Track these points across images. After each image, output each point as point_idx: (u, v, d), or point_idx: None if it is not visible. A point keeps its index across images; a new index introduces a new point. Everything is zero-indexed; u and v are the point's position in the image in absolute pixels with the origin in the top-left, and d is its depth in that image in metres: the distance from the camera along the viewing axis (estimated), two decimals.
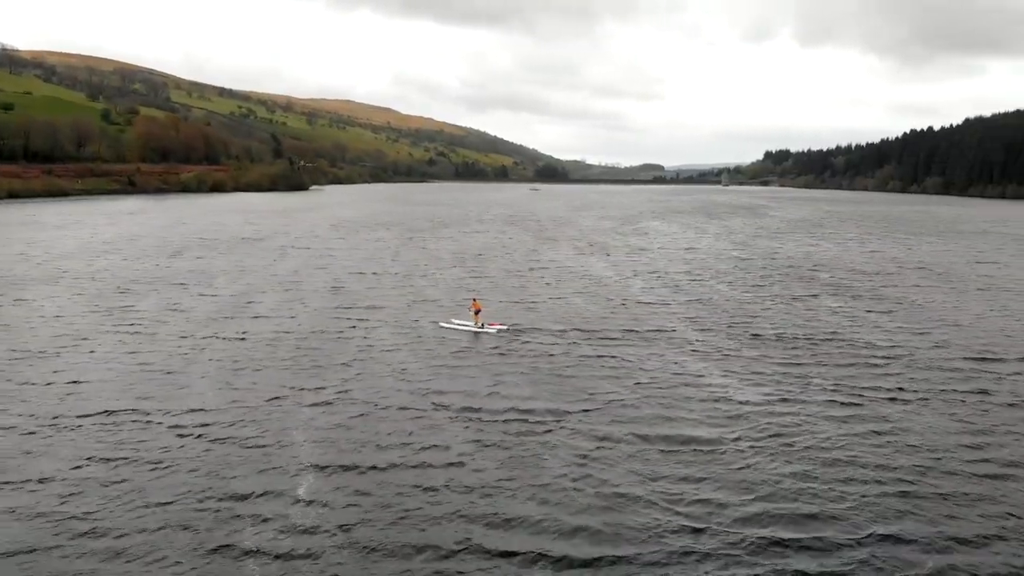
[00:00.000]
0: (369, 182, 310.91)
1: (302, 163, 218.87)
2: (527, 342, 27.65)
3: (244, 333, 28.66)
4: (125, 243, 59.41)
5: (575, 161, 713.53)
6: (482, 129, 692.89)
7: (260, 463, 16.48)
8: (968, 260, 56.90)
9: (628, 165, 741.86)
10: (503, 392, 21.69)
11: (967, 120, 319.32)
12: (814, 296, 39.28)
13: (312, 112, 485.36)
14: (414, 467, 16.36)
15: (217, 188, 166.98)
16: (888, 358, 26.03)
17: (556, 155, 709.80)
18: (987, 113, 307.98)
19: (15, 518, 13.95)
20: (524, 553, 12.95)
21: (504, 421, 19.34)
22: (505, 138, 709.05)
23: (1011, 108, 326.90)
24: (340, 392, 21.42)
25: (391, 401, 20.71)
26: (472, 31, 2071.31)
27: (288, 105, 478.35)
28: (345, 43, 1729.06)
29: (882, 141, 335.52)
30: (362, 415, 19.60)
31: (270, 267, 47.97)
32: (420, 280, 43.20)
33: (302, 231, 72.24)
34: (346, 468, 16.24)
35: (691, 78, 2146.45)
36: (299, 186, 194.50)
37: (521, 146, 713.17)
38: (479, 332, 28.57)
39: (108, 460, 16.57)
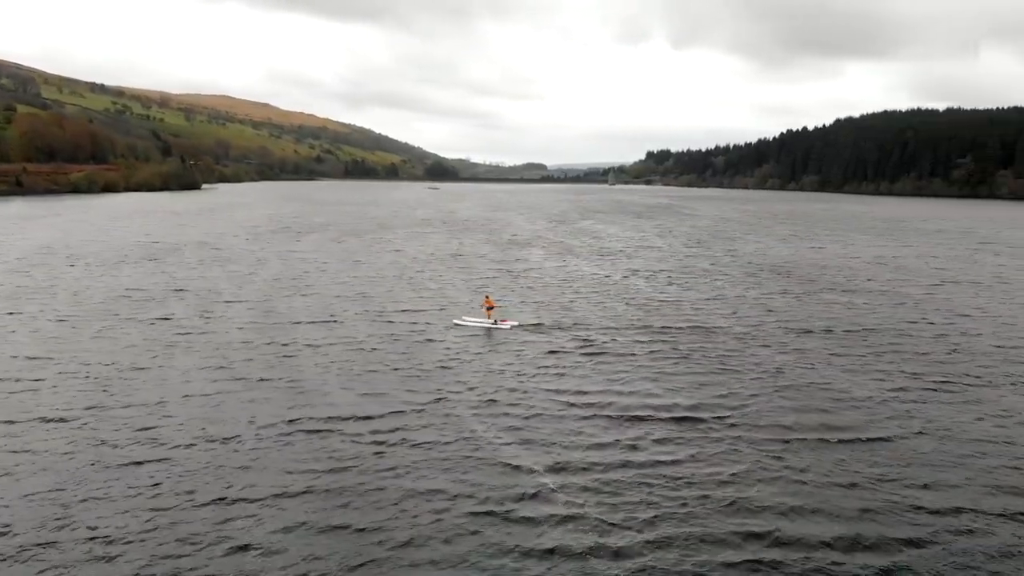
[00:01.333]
0: (256, 180, 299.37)
1: (193, 162, 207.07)
2: (543, 337, 28.14)
3: (289, 341, 27.17)
4: (60, 251, 52.31)
5: (460, 160, 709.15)
6: (364, 126, 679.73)
7: (282, 459, 16.27)
8: (965, 260, 55.81)
9: (512, 164, 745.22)
10: (522, 382, 22.21)
11: (837, 121, 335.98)
12: (824, 292, 39.24)
13: (189, 108, 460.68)
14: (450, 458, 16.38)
15: (109, 188, 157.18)
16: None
17: (440, 153, 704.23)
18: (855, 114, 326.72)
19: None
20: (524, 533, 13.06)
21: (525, 405, 19.95)
22: (389, 135, 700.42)
23: (878, 109, 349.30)
24: (372, 384, 21.76)
25: (423, 388, 21.36)
26: (348, 26, 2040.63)
27: (163, 101, 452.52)
28: (214, 36, 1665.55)
29: (759, 141, 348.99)
30: (400, 408, 19.67)
31: (254, 275, 43.57)
32: (413, 282, 41.99)
33: (242, 234, 65.64)
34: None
35: (567, 78, 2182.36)
36: (192, 185, 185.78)
37: (407, 144, 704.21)
38: (492, 328, 29.11)
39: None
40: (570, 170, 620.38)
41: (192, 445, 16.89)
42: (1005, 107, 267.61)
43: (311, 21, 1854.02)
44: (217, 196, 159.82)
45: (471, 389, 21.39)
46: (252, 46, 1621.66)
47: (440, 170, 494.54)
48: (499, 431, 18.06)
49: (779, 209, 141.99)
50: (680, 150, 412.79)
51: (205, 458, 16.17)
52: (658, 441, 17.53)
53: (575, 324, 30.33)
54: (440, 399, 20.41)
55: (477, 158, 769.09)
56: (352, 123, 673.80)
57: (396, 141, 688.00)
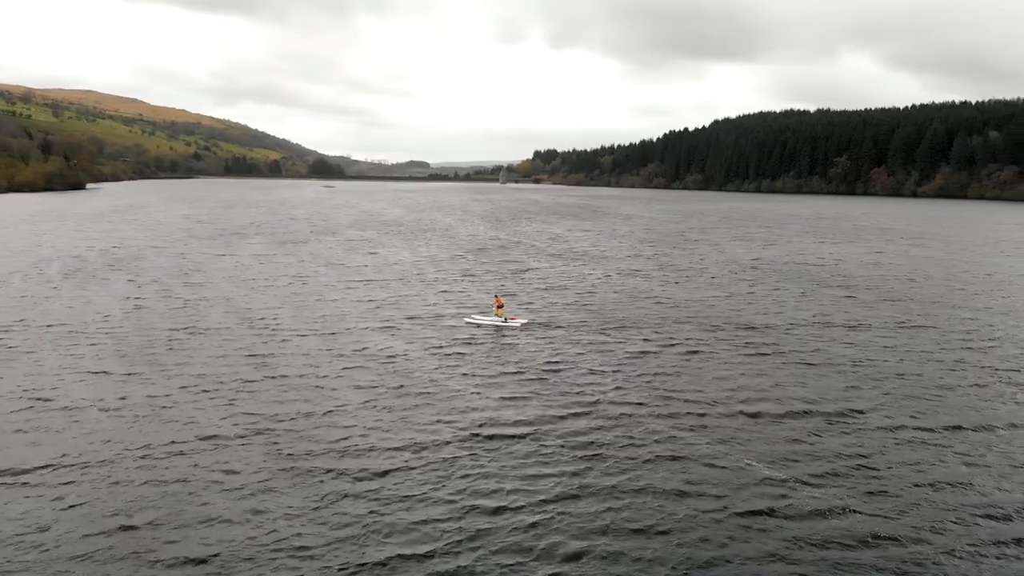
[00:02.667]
0: (134, 179, 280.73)
1: (75, 160, 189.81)
2: (551, 334, 28.35)
3: (301, 346, 26.16)
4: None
5: (341, 157, 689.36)
6: (238, 121, 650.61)
7: (301, 455, 16.18)
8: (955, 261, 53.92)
9: (395, 162, 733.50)
10: (531, 377, 22.40)
11: (716, 121, 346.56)
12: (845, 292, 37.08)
13: (55, 103, 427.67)
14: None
15: None
16: None
17: (320, 150, 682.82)
18: (730, 115, 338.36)
19: None
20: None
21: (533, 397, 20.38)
22: (267, 132, 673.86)
23: (745, 110, 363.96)
24: (394, 380, 21.81)
25: (439, 380, 21.81)
26: (219, 18, 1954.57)
27: (27, 96, 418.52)
28: (75, 27, 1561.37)
29: (643, 142, 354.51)
30: (420, 398, 20.09)
31: (239, 282, 39.32)
32: (413, 284, 40.77)
33: (177, 240, 56.87)
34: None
35: (447, 76, 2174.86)
36: (77, 185, 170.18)
37: (286, 141, 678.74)
38: (502, 326, 29.35)
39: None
40: (454, 168, 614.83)
41: (222, 437, 17.04)
42: (873, 108, 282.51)
43: (179, 12, 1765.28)
44: (106, 197, 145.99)
45: (480, 384, 21.57)
46: (116, 38, 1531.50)
47: (324, 168, 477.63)
48: (507, 426, 18.17)
49: (701, 208, 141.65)
50: (566, 150, 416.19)
51: (231, 450, 16.29)
52: (661, 434, 17.74)
53: (581, 322, 30.51)
54: (453, 395, 20.49)
55: (358, 155, 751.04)
56: (227, 119, 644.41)
57: (275, 138, 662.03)
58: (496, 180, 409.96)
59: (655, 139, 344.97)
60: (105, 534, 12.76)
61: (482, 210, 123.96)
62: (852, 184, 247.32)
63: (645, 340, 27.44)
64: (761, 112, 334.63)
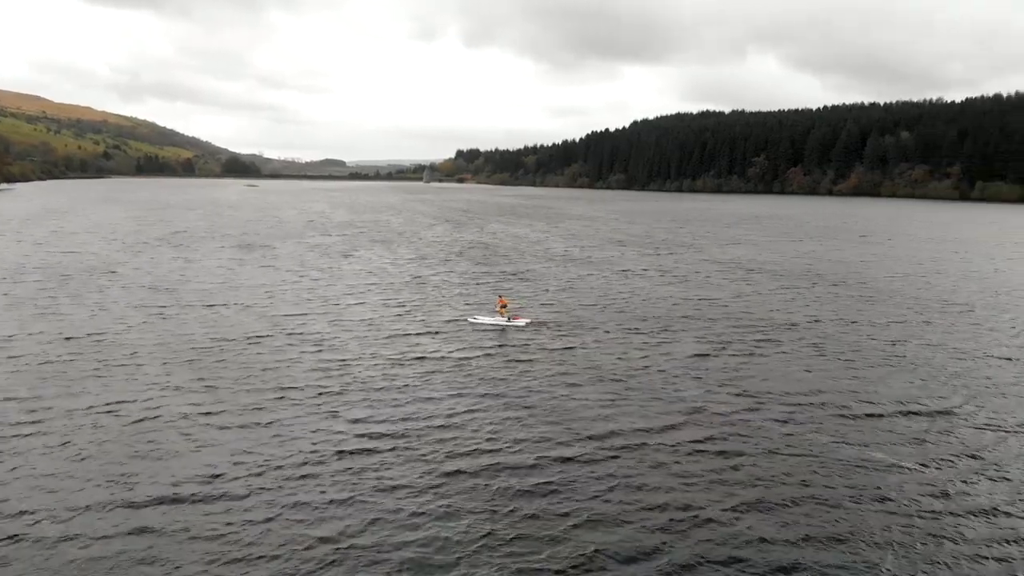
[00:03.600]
0: (43, 179, 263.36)
1: None
2: (555, 333, 28.24)
3: (312, 350, 25.15)
4: None
5: (253, 155, 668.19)
6: (144, 119, 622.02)
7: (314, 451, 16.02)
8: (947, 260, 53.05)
9: (309, 160, 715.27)
10: (536, 375, 22.22)
11: (635, 122, 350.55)
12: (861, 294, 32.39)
13: None
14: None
15: None
16: None
17: (231, 148, 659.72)
18: (648, 116, 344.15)
19: None
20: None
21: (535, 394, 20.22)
22: (177, 130, 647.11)
23: (658, 111, 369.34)
24: (404, 380, 21.49)
25: (447, 381, 21.45)
26: (122, 12, 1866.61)
27: None
28: None
29: (565, 142, 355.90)
30: (430, 398, 19.79)
31: (225, 285, 35.49)
32: (410, 288, 39.21)
33: (125, 245, 50.59)
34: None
35: (361, 73, 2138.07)
36: None
37: (196, 139, 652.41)
38: (507, 325, 29.21)
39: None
40: (370, 166, 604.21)
41: (226, 443, 16.43)
42: (786, 109, 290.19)
43: (80, 6, 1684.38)
44: (23, 199, 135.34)
45: (484, 382, 21.39)
46: (12, 33, 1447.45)
47: (239, 166, 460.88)
48: (510, 422, 18.11)
49: (644, 208, 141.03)
50: (489, 149, 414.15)
51: (241, 449, 16.01)
52: (665, 429, 17.74)
53: (585, 320, 30.57)
54: (458, 394, 20.28)
55: (270, 153, 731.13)
56: (133, 116, 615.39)
57: (184, 136, 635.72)
58: (420, 179, 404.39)
59: (578, 139, 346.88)
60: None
61: (429, 211, 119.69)
62: (770, 183, 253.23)
63: (649, 336, 27.71)
64: (679, 113, 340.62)
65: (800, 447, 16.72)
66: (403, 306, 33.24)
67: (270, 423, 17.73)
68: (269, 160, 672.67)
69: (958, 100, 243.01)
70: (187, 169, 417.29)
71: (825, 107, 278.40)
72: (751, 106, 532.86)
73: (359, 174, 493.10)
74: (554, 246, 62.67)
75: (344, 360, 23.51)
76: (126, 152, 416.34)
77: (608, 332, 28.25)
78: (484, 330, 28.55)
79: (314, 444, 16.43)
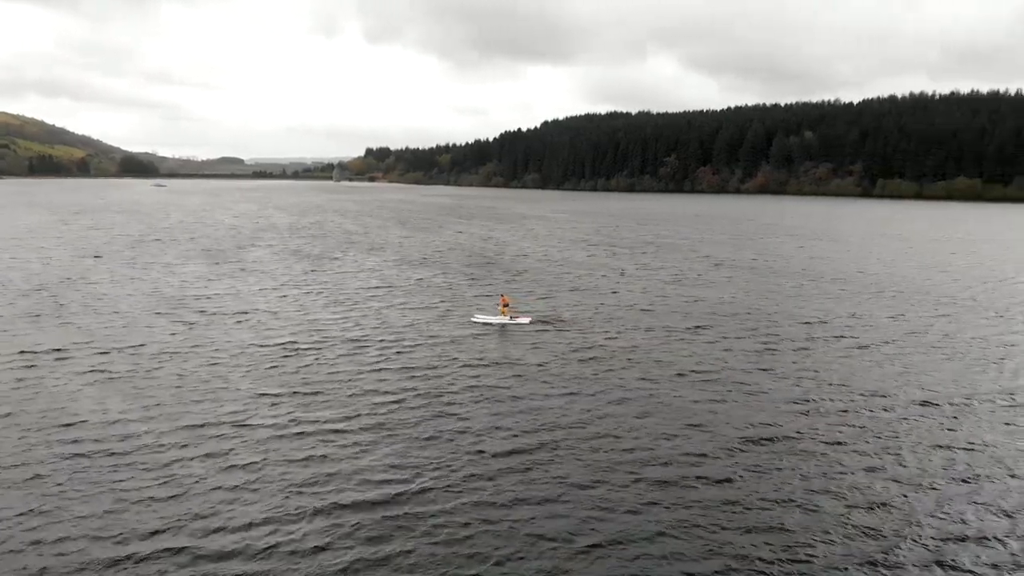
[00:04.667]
0: None
1: None
2: (555, 330, 28.38)
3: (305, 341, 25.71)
4: None
5: (147, 153, 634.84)
6: (28, 116, 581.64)
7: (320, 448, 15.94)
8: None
9: (206, 158, 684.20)
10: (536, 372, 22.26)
11: (546, 122, 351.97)
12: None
13: None
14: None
15: None
16: None
17: (124, 147, 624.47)
18: (545, 115, 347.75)
19: None
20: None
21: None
22: (67, 128, 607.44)
23: (579, 112, 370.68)
24: (408, 375, 21.65)
25: (448, 378, 21.49)
26: (1, 4, 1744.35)
27: None
28: None
29: (478, 141, 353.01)
30: (438, 396, 19.76)
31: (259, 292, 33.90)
32: (407, 290, 38.50)
33: (85, 254, 46.11)
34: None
35: (259, 69, 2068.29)
36: None
37: (88, 137, 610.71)
38: (509, 324, 29.22)
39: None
40: (271, 165, 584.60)
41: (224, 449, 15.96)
42: (692, 110, 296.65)
43: None
44: None
45: (488, 380, 21.36)
46: None
47: (137, 166, 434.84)
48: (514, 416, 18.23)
49: (583, 208, 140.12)
50: (399, 148, 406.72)
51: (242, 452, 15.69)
52: (667, 420, 18.05)
53: (585, 318, 30.71)
54: (461, 391, 20.23)
55: (165, 151, 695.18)
56: (21, 114, 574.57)
57: (75, 134, 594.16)
58: (329, 178, 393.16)
59: (491, 139, 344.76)
60: None
61: (368, 212, 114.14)
62: (681, 182, 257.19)
63: (648, 333, 27.97)
64: (588, 114, 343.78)
65: (814, 437, 17.17)
66: (405, 305, 33.19)
67: (284, 415, 18.00)
68: (164, 159, 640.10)
69: (854, 101, 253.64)
70: (82, 169, 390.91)
71: (731, 108, 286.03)
72: (651, 106, 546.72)
73: (263, 173, 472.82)
74: (527, 247, 60.94)
75: (350, 358, 23.54)
76: (15, 152, 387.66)
77: (607, 330, 28.44)
78: (487, 328, 28.62)
79: (319, 441, 16.39)
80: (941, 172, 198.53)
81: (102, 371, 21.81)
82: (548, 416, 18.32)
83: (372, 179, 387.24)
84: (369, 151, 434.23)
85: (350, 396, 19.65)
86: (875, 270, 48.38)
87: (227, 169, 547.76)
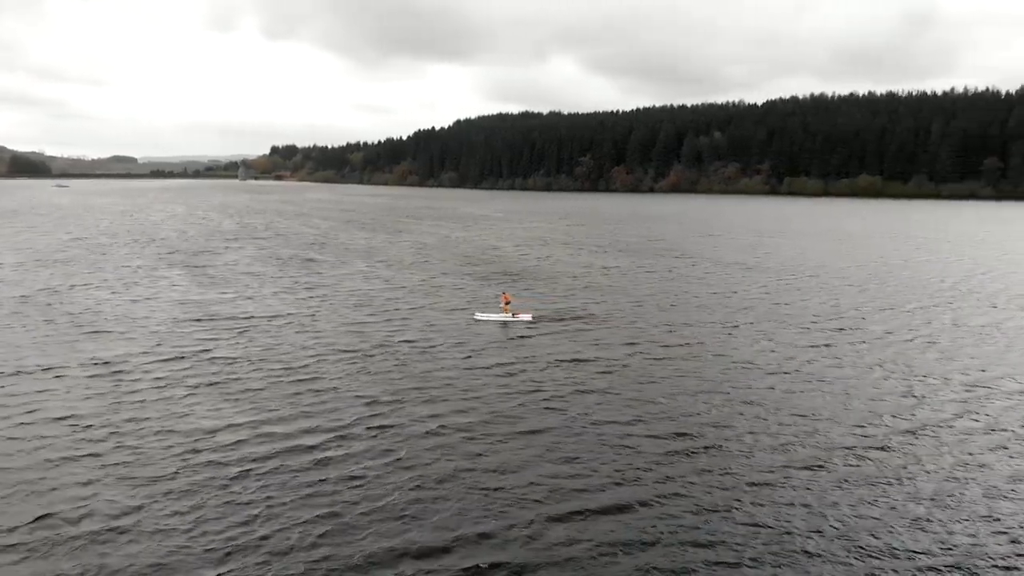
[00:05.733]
0: None
1: None
2: (556, 327, 28.65)
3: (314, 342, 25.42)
4: None
5: (35, 152, 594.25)
6: None
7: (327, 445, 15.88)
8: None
9: (96, 157, 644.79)
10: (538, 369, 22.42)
11: (458, 121, 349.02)
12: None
13: None
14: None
15: None
16: None
17: (8, 146, 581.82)
18: (448, 114, 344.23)
19: None
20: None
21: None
22: None
23: (491, 112, 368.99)
24: (411, 370, 21.90)
25: (452, 375, 21.49)
26: None
27: None
28: None
29: (389, 140, 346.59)
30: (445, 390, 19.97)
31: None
32: (419, 289, 38.59)
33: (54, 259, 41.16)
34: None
35: (151, 64, 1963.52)
36: None
37: None
38: (510, 321, 29.34)
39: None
40: (167, 163, 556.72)
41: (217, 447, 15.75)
42: (599, 111, 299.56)
43: None
44: None
45: (491, 377, 21.46)
46: None
47: (28, 166, 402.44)
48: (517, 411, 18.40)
49: (529, 208, 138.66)
50: (306, 145, 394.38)
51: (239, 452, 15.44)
52: (657, 415, 18.32)
53: (584, 316, 30.93)
54: (464, 389, 20.20)
55: (52, 151, 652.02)
56: None
57: None
58: (234, 177, 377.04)
59: (405, 137, 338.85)
60: None
61: (308, 212, 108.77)
62: (596, 182, 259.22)
63: (647, 330, 28.38)
64: (501, 113, 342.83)
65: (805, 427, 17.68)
66: (407, 304, 33.13)
67: (296, 408, 18.24)
68: (53, 158, 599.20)
69: (757, 102, 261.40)
70: None
71: (640, 109, 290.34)
72: (553, 107, 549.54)
73: (163, 172, 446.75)
74: (502, 246, 59.91)
75: (357, 356, 23.54)
76: None
77: (606, 328, 28.68)
78: (489, 325, 28.89)
79: (325, 441, 16.23)
80: (845, 170, 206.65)
81: (192, 379, 20.78)
82: (550, 408, 18.66)
83: (279, 177, 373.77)
84: (275, 149, 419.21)
85: (358, 395, 19.50)
86: (881, 267, 48.60)
87: (121, 168, 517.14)
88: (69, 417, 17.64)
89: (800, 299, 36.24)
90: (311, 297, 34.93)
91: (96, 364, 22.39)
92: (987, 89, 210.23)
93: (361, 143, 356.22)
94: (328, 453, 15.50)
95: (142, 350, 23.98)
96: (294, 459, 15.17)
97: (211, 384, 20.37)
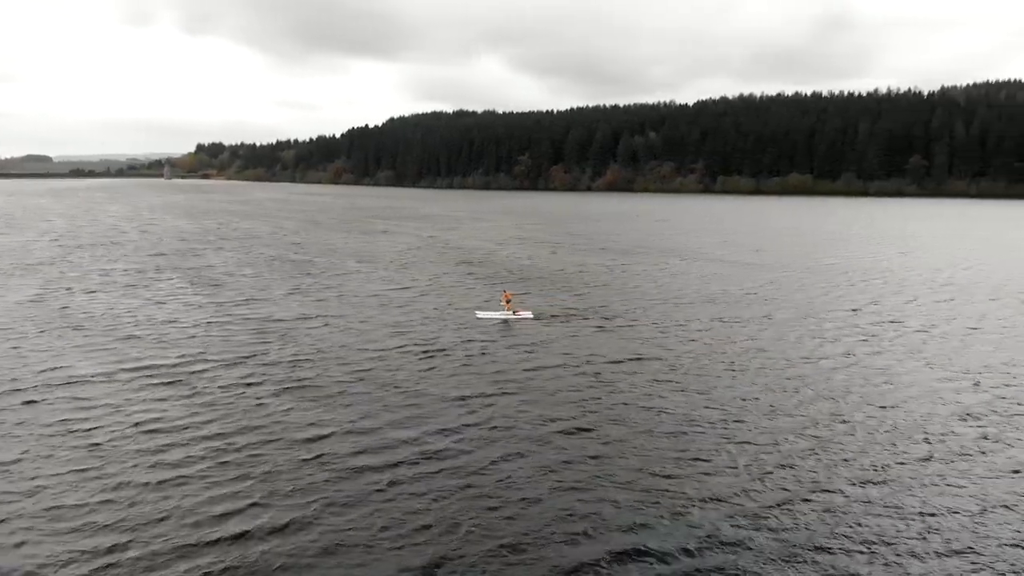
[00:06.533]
0: None
1: None
2: (556, 324, 28.93)
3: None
4: None
5: None
6: None
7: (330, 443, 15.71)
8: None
9: (8, 156, 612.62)
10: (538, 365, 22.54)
11: (391, 119, 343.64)
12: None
13: None
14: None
15: None
16: None
17: None
18: (375, 111, 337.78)
19: None
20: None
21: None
22: None
23: (420, 110, 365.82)
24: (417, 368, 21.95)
25: (455, 373, 21.52)
26: None
27: None
28: None
29: (320, 137, 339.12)
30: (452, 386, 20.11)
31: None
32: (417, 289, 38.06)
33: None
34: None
35: (63, 60, 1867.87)
36: None
37: None
38: (512, 319, 29.46)
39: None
40: (82, 162, 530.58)
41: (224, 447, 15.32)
42: (535, 110, 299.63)
43: None
44: None
45: (493, 374, 21.47)
46: None
47: None
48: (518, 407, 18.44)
49: (491, 207, 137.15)
50: (233, 143, 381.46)
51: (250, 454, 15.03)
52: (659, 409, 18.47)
53: (583, 313, 31.13)
54: (466, 386, 20.19)
55: None
56: None
57: None
58: (159, 176, 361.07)
59: (338, 135, 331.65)
60: None
61: (263, 214, 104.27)
62: (535, 180, 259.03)
63: (644, 327, 28.55)
64: (436, 112, 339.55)
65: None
66: (409, 303, 33.13)
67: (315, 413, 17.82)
68: None
69: (688, 102, 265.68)
70: None
71: (575, 108, 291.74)
72: (481, 106, 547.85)
73: (83, 171, 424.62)
74: (485, 246, 58.83)
75: (360, 355, 23.45)
76: None
77: (606, 325, 28.94)
78: (490, 323, 28.90)
79: (333, 440, 16.02)
80: (776, 169, 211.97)
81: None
82: (553, 403, 18.81)
83: (205, 176, 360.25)
84: (200, 147, 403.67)
85: (363, 393, 19.44)
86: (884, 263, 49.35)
87: (37, 168, 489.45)
88: (157, 424, 16.87)
89: (844, 296, 36.28)
90: (320, 300, 33.90)
91: (154, 370, 21.18)
92: (909, 90, 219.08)
93: (292, 140, 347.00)
94: (400, 457, 15.15)
95: (192, 355, 22.88)
96: (348, 456, 15.08)
97: (288, 387, 19.85)
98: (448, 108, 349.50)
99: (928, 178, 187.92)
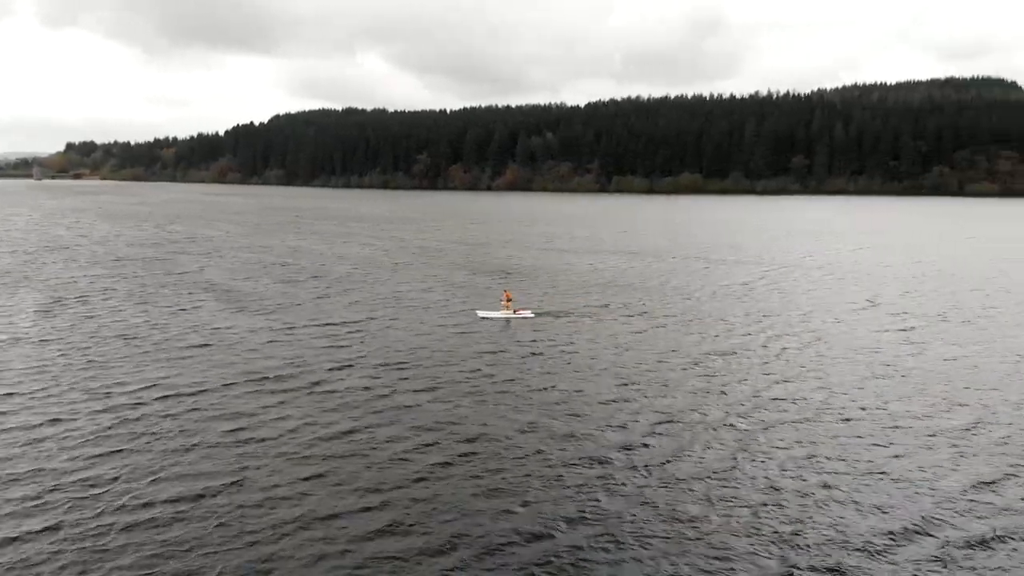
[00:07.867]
0: None
1: None
2: (555, 323, 29.53)
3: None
4: None
5: None
6: None
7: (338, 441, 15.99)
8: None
9: None
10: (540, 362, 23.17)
11: (276, 116, 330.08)
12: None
13: None
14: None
15: None
16: None
17: None
18: (256, 108, 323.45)
19: None
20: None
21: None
22: None
23: (311, 107, 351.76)
24: (428, 364, 22.53)
25: (456, 371, 21.80)
26: None
27: None
28: None
29: (203, 135, 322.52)
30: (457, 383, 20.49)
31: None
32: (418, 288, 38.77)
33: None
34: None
35: None
36: None
37: None
38: (512, 318, 29.93)
39: None
40: None
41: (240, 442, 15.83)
42: (428, 109, 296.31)
43: None
44: None
45: (493, 372, 21.79)
46: None
47: None
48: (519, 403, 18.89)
49: (441, 207, 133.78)
50: (108, 141, 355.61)
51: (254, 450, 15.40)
52: (659, 405, 18.85)
53: (583, 312, 31.64)
54: (467, 384, 20.52)
55: None
56: None
57: None
58: (29, 176, 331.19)
59: (222, 132, 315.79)
60: None
61: (193, 215, 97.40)
62: (434, 180, 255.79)
63: (643, 325, 29.16)
64: (323, 109, 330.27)
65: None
66: (406, 306, 32.98)
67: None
68: None
69: (580, 104, 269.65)
70: None
71: (470, 108, 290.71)
72: (361, 104, 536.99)
73: None
74: (457, 247, 57.12)
75: (362, 353, 23.83)
76: None
77: (604, 324, 29.39)
78: (491, 322, 29.35)
79: (337, 439, 16.12)
80: (668, 169, 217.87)
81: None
82: (554, 400, 19.14)
83: (78, 176, 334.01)
84: (71, 146, 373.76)
85: (367, 392, 19.61)
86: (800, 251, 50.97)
87: None
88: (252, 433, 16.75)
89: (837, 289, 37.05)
90: (322, 300, 33.76)
91: (225, 385, 20.19)
92: (788, 93, 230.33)
93: (171, 138, 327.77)
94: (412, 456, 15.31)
95: (243, 368, 21.99)
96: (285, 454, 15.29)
97: (304, 391, 19.78)
98: (331, 105, 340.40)
99: (810, 176, 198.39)
